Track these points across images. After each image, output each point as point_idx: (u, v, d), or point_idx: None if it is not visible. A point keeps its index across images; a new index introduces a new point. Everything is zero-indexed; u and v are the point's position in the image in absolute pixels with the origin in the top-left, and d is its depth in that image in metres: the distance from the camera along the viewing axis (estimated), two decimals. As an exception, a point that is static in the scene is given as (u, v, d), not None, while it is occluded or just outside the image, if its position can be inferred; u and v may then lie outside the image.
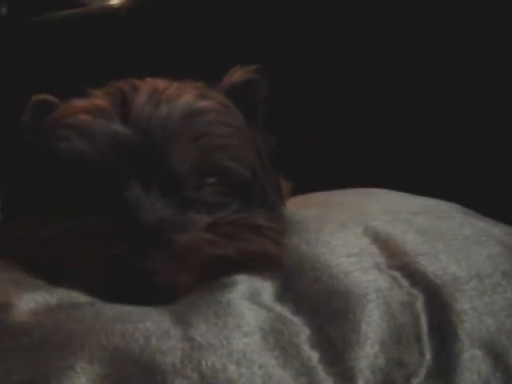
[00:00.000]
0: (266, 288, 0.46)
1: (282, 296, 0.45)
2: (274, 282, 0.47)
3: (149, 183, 0.47)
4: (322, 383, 0.39)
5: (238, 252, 0.46)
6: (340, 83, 0.97)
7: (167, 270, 0.43)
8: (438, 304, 0.46)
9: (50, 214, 0.47)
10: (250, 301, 0.43)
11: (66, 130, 0.48)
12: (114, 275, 0.42)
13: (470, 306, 0.46)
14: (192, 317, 0.41)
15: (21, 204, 0.51)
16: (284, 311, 0.44)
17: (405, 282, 0.47)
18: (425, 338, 0.44)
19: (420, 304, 0.45)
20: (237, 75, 0.55)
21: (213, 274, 0.45)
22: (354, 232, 0.52)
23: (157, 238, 0.44)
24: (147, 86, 0.51)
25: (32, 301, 0.41)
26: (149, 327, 0.39)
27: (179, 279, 0.43)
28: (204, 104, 0.50)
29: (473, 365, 0.43)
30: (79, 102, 0.50)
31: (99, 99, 0.50)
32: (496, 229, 0.55)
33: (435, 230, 0.53)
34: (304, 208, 0.60)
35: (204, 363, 0.37)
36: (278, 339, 0.41)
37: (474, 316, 0.45)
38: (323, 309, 0.44)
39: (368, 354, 0.41)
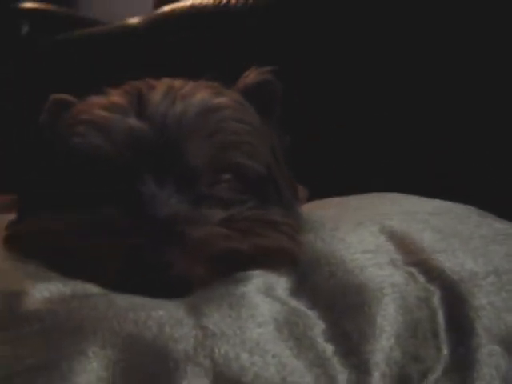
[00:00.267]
0: (281, 283, 0.46)
1: (297, 291, 0.45)
2: (290, 277, 0.46)
3: (164, 178, 0.47)
4: (337, 375, 0.39)
5: (253, 247, 0.46)
6: (340, 84, 0.97)
7: (182, 262, 0.43)
8: (455, 299, 0.45)
9: (65, 210, 0.48)
10: (264, 294, 0.43)
11: (82, 126, 0.48)
12: (130, 268, 0.42)
13: (487, 301, 0.45)
14: (205, 307, 0.41)
15: (37, 200, 0.51)
16: (299, 305, 0.43)
17: (421, 278, 0.46)
18: (442, 333, 0.43)
19: (437, 299, 0.45)
20: (251, 76, 0.56)
21: (227, 268, 0.45)
22: (370, 230, 0.51)
23: (171, 231, 0.44)
24: (163, 84, 0.52)
25: (46, 290, 0.41)
26: (162, 316, 0.39)
27: (194, 272, 0.43)
28: (219, 101, 0.50)
29: (491, 360, 0.43)
30: (96, 99, 0.51)
31: (116, 96, 0.51)
32: (513, 229, 0.55)
33: (452, 230, 0.52)
34: (320, 209, 0.60)
35: (217, 351, 0.37)
36: (293, 331, 0.40)
37: (491, 311, 0.45)
38: (338, 303, 0.43)
39: (384, 346, 0.41)
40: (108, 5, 1.87)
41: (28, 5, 1.39)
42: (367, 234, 0.51)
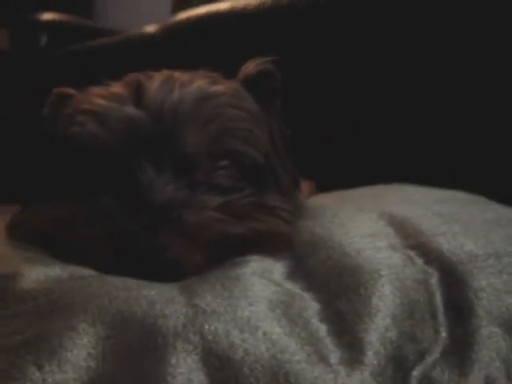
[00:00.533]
0: (277, 267, 0.45)
1: (294, 274, 0.45)
2: (286, 261, 0.46)
3: (161, 165, 0.48)
4: (329, 354, 0.39)
5: (249, 231, 0.46)
6: (354, 85, 0.97)
7: (177, 246, 0.43)
8: (454, 281, 0.44)
9: (65, 199, 0.48)
10: (259, 276, 0.43)
11: (81, 116, 0.49)
12: (126, 251, 0.43)
13: (487, 283, 0.44)
14: (198, 288, 0.41)
15: (38, 190, 0.52)
16: (294, 287, 0.43)
17: (419, 260, 0.46)
18: (440, 314, 0.43)
19: (435, 281, 0.44)
20: (251, 67, 0.56)
21: (224, 253, 0.45)
22: (370, 216, 0.51)
23: (167, 216, 0.44)
24: (162, 74, 0.52)
25: (42, 273, 0.42)
26: (153, 294, 0.39)
27: (189, 256, 0.43)
28: (216, 89, 0.50)
29: (491, 342, 0.42)
30: (96, 90, 0.52)
31: (115, 87, 0.51)
32: (519, 214, 0.54)
33: (454, 214, 0.52)
34: (323, 199, 0.59)
35: (207, 327, 0.37)
36: (286, 311, 0.40)
37: (492, 293, 0.44)
38: (334, 284, 0.43)
39: (378, 326, 0.40)
40: (124, 15, 1.90)
41: (47, 16, 1.42)
42: (367, 219, 0.50)
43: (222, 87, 0.51)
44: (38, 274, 0.41)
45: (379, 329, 0.40)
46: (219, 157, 0.49)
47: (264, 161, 0.51)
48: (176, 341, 0.36)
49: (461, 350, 0.41)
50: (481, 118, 0.83)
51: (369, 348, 0.39)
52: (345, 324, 0.40)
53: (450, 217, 0.51)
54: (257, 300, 0.40)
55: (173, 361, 0.35)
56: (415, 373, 0.40)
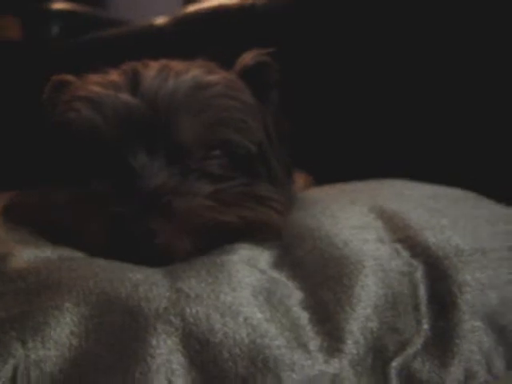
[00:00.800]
0: (264, 256, 0.46)
1: (280, 263, 0.45)
2: (274, 250, 0.47)
3: (154, 152, 0.48)
4: (309, 341, 0.39)
5: (239, 219, 0.46)
6: (354, 79, 0.97)
7: (166, 232, 0.44)
8: (438, 275, 0.44)
9: (60, 182, 0.49)
10: (245, 264, 0.44)
11: (78, 102, 0.50)
12: (114, 234, 0.44)
13: (471, 277, 0.44)
14: (183, 273, 0.41)
15: (36, 175, 0.53)
16: (280, 276, 0.44)
17: (405, 253, 0.46)
18: (423, 307, 0.43)
19: (419, 274, 0.45)
20: (248, 58, 0.57)
21: (213, 240, 0.46)
22: (361, 209, 0.51)
23: (158, 202, 0.45)
24: (158, 63, 0.53)
25: (33, 254, 0.43)
26: (138, 277, 0.40)
27: (178, 242, 0.44)
28: (210, 78, 0.51)
29: (473, 336, 0.42)
30: (93, 77, 0.53)
31: (112, 75, 0.52)
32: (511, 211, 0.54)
33: (444, 210, 0.52)
34: (317, 191, 0.60)
35: (188, 311, 0.38)
36: (269, 298, 0.41)
37: (476, 288, 0.44)
38: (318, 274, 0.44)
39: (359, 315, 0.41)
40: (136, 6, 1.91)
41: (58, 5, 1.43)
42: (357, 211, 0.51)
43: (217, 77, 0.51)
44: (29, 254, 0.42)
45: (360, 318, 0.41)
46: (212, 146, 0.50)
47: (257, 151, 0.51)
48: (157, 322, 0.37)
49: (442, 342, 0.42)
50: (478, 115, 0.83)
51: (349, 337, 0.40)
52: (327, 313, 0.41)
53: (439, 212, 0.51)
54: (240, 286, 0.41)
55: (153, 342, 0.36)
56: (395, 363, 0.40)
